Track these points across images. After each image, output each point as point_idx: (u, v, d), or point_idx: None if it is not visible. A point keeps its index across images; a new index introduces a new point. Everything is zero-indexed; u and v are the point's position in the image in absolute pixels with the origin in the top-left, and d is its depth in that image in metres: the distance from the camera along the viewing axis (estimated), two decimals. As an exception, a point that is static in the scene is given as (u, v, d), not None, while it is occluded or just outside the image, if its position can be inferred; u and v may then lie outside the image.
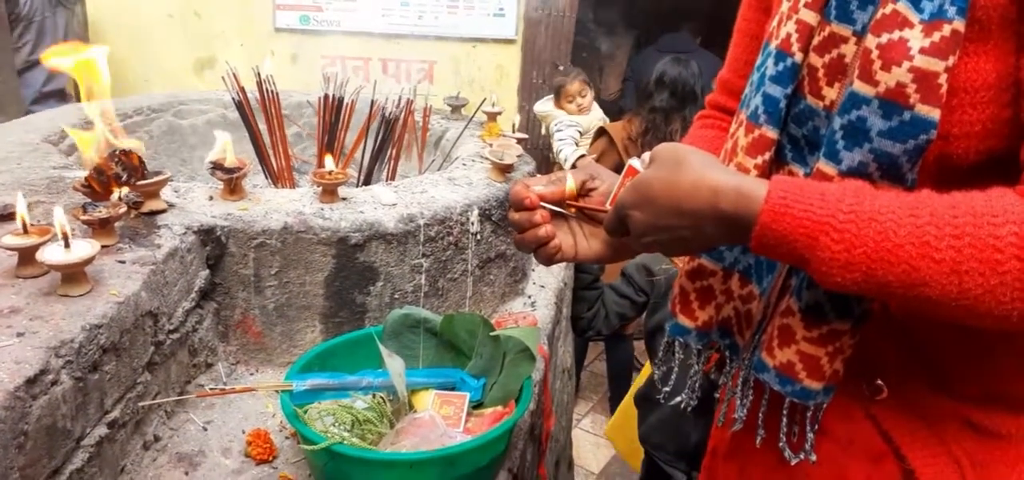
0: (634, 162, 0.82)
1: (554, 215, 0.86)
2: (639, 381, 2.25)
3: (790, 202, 0.65)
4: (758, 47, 0.95)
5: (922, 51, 0.64)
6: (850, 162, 0.70)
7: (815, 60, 0.75)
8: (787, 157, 0.81)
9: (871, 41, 0.67)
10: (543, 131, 3.75)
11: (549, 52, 4.05)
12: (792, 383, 0.78)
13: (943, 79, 0.64)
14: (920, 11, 0.65)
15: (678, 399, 0.96)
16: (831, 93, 0.74)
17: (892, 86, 0.65)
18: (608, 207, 0.82)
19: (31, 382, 0.81)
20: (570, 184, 0.85)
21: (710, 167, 0.70)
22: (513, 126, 1.82)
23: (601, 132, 3.35)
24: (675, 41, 4.02)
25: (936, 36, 0.64)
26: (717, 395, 1.01)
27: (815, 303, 0.75)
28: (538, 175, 0.95)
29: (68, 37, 3.39)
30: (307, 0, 3.96)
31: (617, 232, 0.80)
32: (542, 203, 0.84)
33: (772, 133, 0.78)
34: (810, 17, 0.75)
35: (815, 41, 0.75)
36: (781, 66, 0.77)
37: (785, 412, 0.81)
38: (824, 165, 0.72)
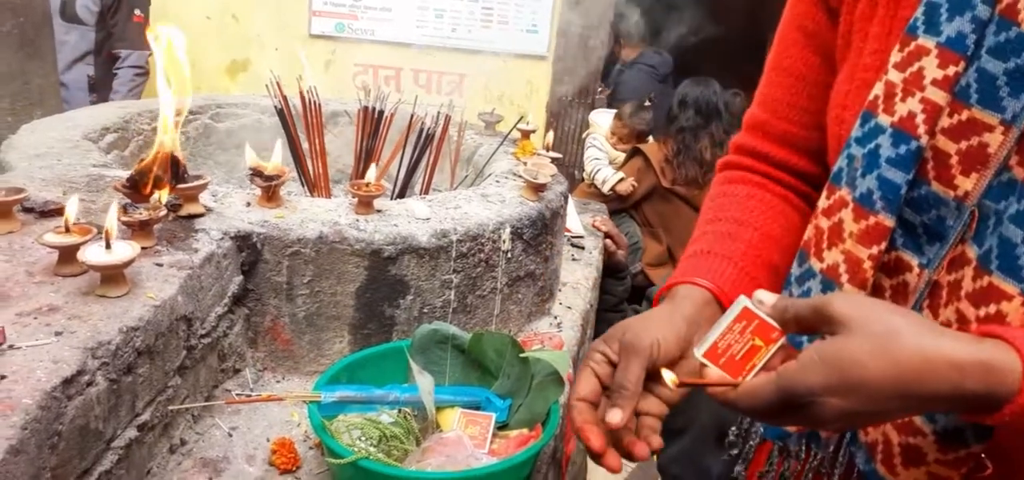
0: (747, 303, 0.67)
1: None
2: None
3: None
4: (806, 90, 0.89)
5: None
6: None
7: (946, 145, 0.69)
8: (896, 243, 0.74)
9: None
10: (583, 134, 3.77)
11: (580, 70, 4.05)
12: None
13: None
14: None
15: None
16: (966, 184, 0.68)
17: None
18: (737, 380, 0.67)
19: (68, 382, 0.82)
20: (671, 379, 0.69)
21: (933, 335, 0.59)
22: (547, 146, 1.81)
23: (635, 152, 3.36)
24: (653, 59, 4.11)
25: None
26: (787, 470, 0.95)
27: (955, 428, 0.68)
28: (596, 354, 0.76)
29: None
30: (343, 8, 4.00)
31: (770, 417, 0.65)
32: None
33: (890, 221, 0.72)
34: (939, 96, 0.68)
35: (945, 123, 0.69)
36: (903, 149, 0.70)
37: None
38: (1002, 282, 0.65)
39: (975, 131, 0.67)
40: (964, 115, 0.67)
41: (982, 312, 0.66)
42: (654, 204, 3.32)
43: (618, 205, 3.35)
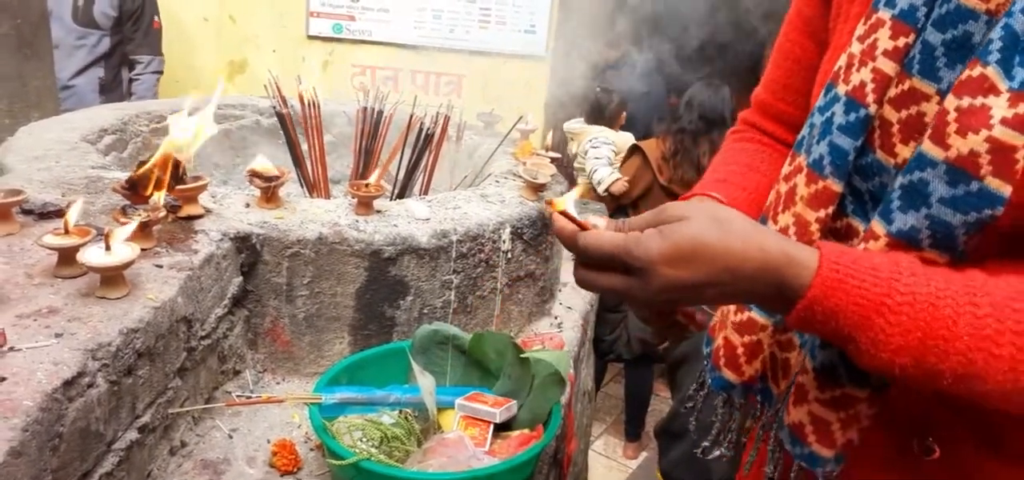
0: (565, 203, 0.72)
1: None
2: None
3: (843, 275, 0.60)
4: (801, 73, 0.92)
5: (1004, 122, 0.59)
6: (901, 225, 0.66)
7: (890, 114, 0.71)
8: (847, 210, 0.76)
9: (950, 102, 0.63)
10: (573, 150, 3.75)
11: (578, 70, 4.05)
12: (801, 445, 0.74)
13: (1021, 155, 0.59)
14: (1010, 78, 0.60)
15: (718, 453, 0.93)
16: (905, 152, 0.69)
17: (964, 153, 0.61)
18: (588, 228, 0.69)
19: (68, 384, 0.81)
20: (549, 200, 0.75)
21: (755, 227, 0.65)
22: (546, 147, 1.81)
23: (635, 149, 3.35)
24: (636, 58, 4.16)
25: (1021, 108, 0.59)
26: (743, 438, 0.97)
27: (829, 363, 0.71)
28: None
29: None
30: (341, 9, 4.00)
31: (600, 274, 0.68)
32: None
33: (838, 186, 0.74)
34: (888, 67, 0.70)
35: (891, 93, 0.70)
36: (853, 116, 0.72)
37: (793, 477, 0.77)
38: (876, 223, 0.68)
39: (914, 100, 0.69)
40: (907, 85, 0.69)
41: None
42: (651, 202, 3.32)
43: (617, 203, 3.36)
